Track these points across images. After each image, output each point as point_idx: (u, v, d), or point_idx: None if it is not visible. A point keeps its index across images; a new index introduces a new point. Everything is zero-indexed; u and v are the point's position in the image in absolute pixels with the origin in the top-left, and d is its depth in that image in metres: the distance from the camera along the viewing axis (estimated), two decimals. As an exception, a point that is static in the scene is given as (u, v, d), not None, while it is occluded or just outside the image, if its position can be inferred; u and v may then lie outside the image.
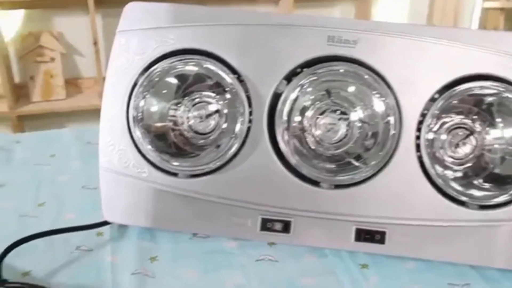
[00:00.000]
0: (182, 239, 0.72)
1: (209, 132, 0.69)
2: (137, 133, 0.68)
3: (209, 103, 0.69)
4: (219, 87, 0.68)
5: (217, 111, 0.69)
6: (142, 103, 0.68)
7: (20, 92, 2.20)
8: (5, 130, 2.21)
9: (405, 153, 0.65)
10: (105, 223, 0.72)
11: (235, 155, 0.67)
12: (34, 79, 2.17)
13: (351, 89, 0.67)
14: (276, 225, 0.68)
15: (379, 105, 0.66)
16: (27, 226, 0.74)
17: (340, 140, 0.67)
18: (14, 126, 2.13)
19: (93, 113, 2.21)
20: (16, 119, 2.13)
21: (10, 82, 2.11)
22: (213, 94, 0.69)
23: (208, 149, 0.69)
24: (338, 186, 0.66)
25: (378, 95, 0.65)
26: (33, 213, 0.78)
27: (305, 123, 0.67)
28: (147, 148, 0.68)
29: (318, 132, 0.67)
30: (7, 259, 0.66)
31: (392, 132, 0.65)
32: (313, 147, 0.67)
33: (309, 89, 0.67)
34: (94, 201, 0.79)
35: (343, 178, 0.66)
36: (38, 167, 0.90)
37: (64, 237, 0.72)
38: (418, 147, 0.65)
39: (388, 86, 0.65)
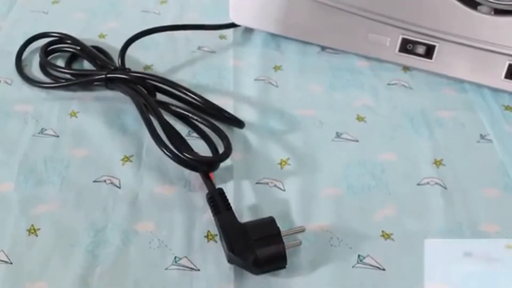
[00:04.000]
0: (310, 52, 0.67)
1: None
2: None
3: None
4: None
5: None
6: None
7: None
8: None
9: None
10: (232, 25, 0.68)
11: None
12: None
13: None
14: (418, 48, 0.61)
15: None
16: (149, 22, 0.71)
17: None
18: None
19: None
20: None
21: None
22: None
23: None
24: (499, 12, 0.57)
25: None
26: (155, 10, 0.75)
27: None
28: None
29: None
30: (130, 51, 0.64)
31: None
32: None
33: None
34: (216, 3, 0.75)
35: (508, 2, 0.56)
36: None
37: (186, 36, 0.69)
38: None
39: None
